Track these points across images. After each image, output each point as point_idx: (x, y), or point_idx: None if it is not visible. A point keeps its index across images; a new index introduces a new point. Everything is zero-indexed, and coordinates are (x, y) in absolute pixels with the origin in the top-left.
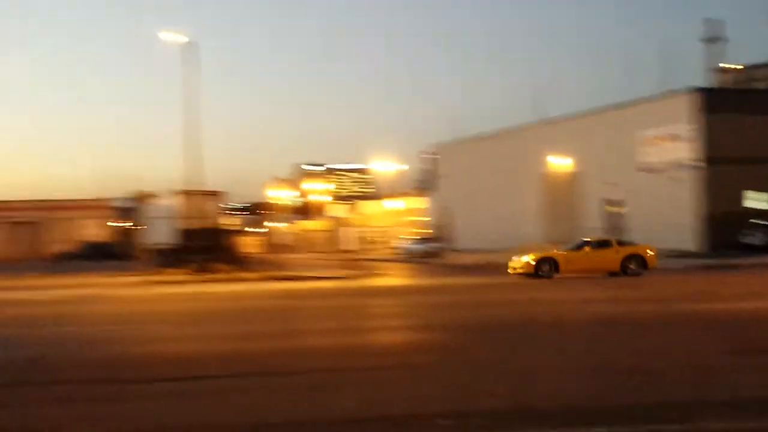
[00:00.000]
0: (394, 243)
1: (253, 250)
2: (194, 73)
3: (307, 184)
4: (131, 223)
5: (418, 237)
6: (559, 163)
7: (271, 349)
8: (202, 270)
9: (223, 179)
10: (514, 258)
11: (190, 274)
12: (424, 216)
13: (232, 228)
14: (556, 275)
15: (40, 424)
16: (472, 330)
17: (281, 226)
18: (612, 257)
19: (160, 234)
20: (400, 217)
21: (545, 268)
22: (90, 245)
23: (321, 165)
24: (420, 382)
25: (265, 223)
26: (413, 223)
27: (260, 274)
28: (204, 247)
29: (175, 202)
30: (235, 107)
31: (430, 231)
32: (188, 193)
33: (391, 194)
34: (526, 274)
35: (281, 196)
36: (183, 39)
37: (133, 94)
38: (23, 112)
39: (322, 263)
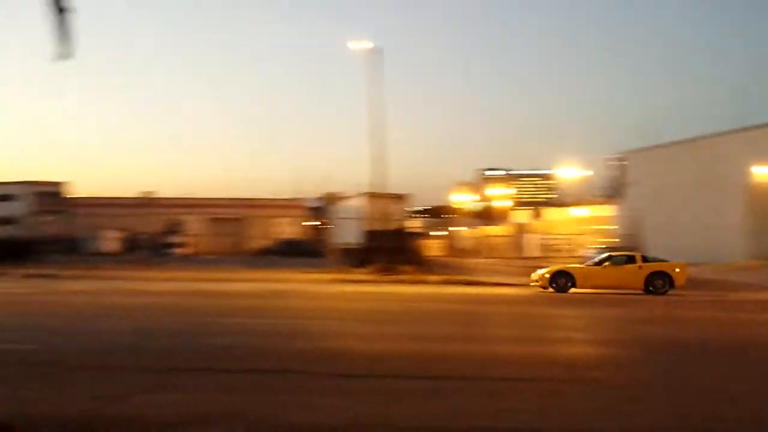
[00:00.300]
0: (580, 252)
1: (435, 254)
2: (379, 77)
3: (489, 189)
4: (322, 223)
5: (605, 246)
6: (766, 172)
7: (452, 353)
8: (387, 271)
9: (407, 182)
10: (537, 270)
11: (376, 274)
12: (612, 225)
13: (415, 230)
14: (573, 290)
15: (238, 408)
16: (649, 347)
17: (463, 230)
18: (634, 274)
19: (348, 234)
20: (585, 225)
21: (561, 282)
22: (285, 242)
23: (503, 170)
24: (595, 398)
25: (447, 227)
26: (600, 232)
27: (442, 278)
28: (389, 248)
29: (362, 204)
30: (419, 111)
31: (618, 240)
32: (375, 196)
33: (576, 201)
34: (542, 287)
35: (463, 200)
36: (368, 45)
37: (325, 98)
38: (226, 117)
39: (503, 269)
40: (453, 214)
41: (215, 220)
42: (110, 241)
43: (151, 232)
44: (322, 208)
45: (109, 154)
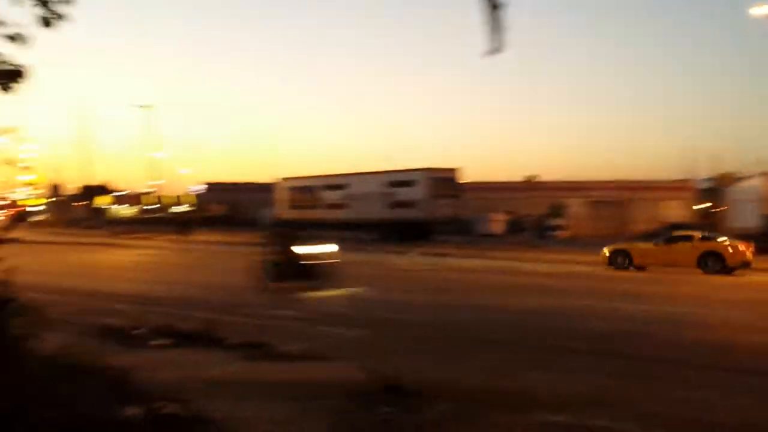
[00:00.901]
0: None
1: None
2: None
3: None
4: (713, 206)
5: None
6: None
7: None
8: None
9: None
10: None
11: None
12: None
13: None
14: (632, 268)
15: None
16: None
17: None
18: (687, 252)
19: (745, 218)
20: None
21: (620, 259)
22: (671, 226)
23: None
24: None
25: None
26: None
27: None
28: None
29: (763, 185)
30: None
31: None
32: None
33: None
34: (605, 265)
35: None
36: None
37: (717, 71)
38: (632, 96)
39: None
40: None
41: (596, 202)
42: (496, 223)
43: (534, 214)
44: (715, 189)
45: (498, 139)
